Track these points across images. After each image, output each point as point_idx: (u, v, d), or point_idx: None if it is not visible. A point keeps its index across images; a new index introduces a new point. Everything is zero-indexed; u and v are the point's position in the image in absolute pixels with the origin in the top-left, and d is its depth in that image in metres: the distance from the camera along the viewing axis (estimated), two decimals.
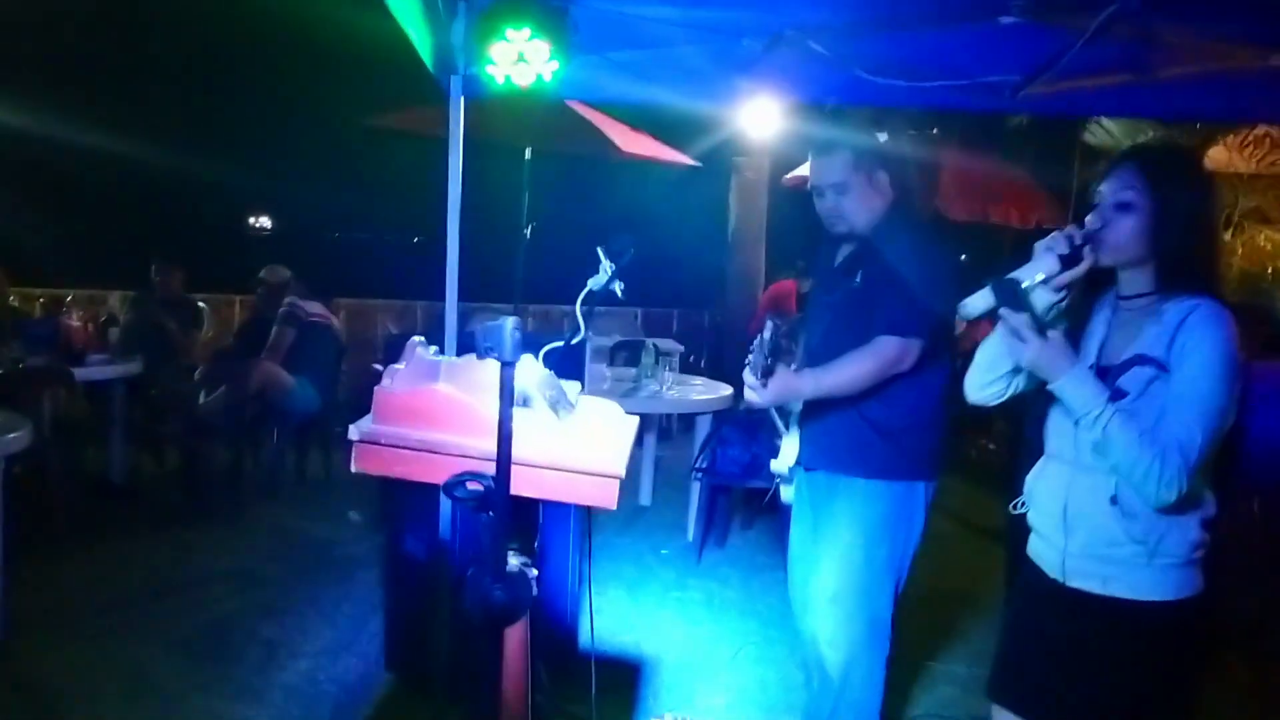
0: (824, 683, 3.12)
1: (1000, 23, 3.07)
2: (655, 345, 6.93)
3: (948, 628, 4.65)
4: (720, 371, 8.19)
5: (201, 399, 6.40)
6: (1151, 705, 2.07)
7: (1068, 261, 2.01)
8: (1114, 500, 2.02)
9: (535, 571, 2.02)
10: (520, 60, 3.10)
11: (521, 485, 1.81)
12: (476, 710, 1.75)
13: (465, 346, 2.73)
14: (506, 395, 1.53)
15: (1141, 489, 1.95)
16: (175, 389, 6.57)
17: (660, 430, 7.91)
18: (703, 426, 6.18)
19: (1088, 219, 2.08)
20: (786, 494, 3.49)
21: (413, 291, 10.41)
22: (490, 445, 1.74)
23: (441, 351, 2.43)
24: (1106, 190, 2.09)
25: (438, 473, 1.80)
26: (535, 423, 1.90)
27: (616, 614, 4.72)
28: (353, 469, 1.85)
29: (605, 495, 1.85)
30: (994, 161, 8.63)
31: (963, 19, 3.18)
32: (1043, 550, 2.22)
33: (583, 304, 2.86)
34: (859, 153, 3.07)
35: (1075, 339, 2.13)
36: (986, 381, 2.26)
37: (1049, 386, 2.05)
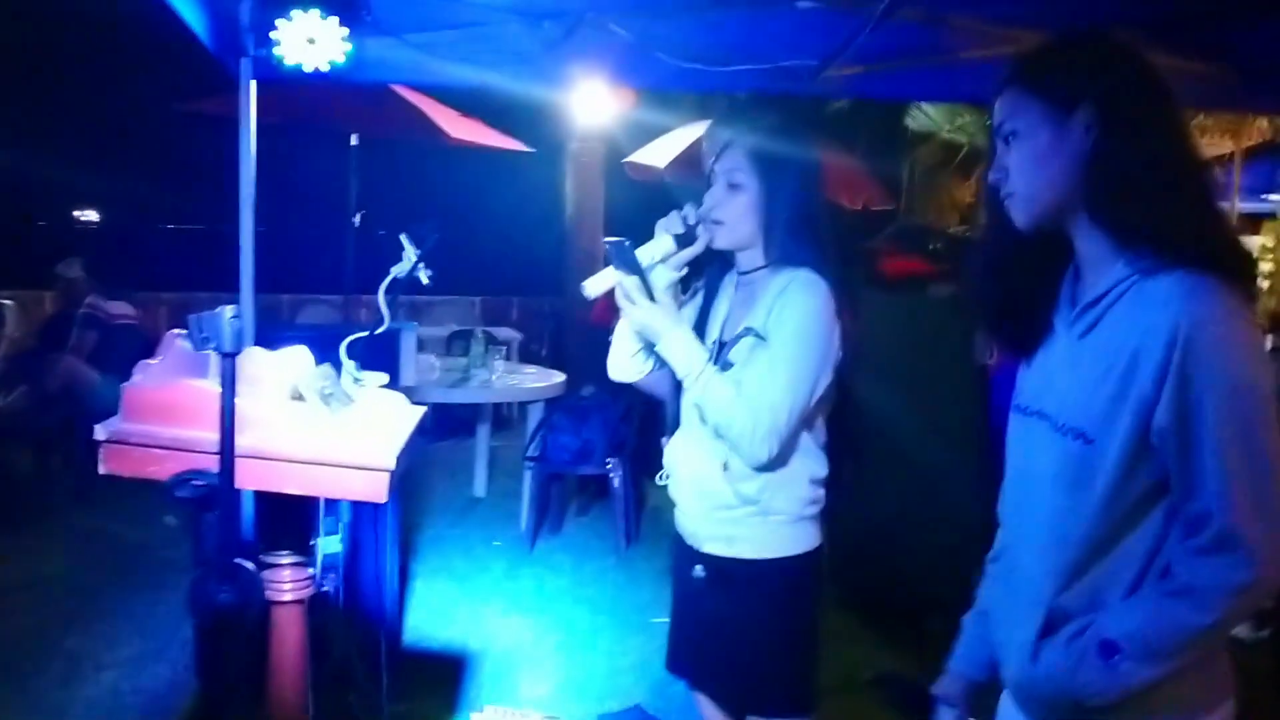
0: None
1: (797, 7, 3.11)
2: (487, 334, 6.85)
3: None
4: (561, 359, 8.14)
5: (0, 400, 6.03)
6: (781, 658, 2.17)
7: (683, 241, 2.10)
8: (725, 466, 2.09)
9: (311, 570, 1.95)
10: (310, 42, 2.99)
11: (284, 482, 1.74)
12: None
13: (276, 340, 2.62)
14: (227, 387, 1.45)
15: (737, 448, 2.04)
16: None
17: (500, 419, 7.83)
18: (535, 415, 6.13)
19: (705, 197, 2.14)
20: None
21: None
22: (249, 440, 1.67)
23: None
24: (718, 170, 2.15)
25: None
26: (302, 417, 1.83)
27: (444, 607, 4.64)
28: (100, 471, 1.75)
29: (375, 489, 1.79)
30: (822, 147, 8.79)
31: (760, 4, 3.21)
32: (681, 519, 2.27)
33: (387, 291, 2.79)
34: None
35: (704, 316, 2.22)
36: (626, 355, 2.28)
37: (655, 349, 2.11)
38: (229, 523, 1.47)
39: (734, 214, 2.11)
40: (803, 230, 2.12)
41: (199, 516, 1.50)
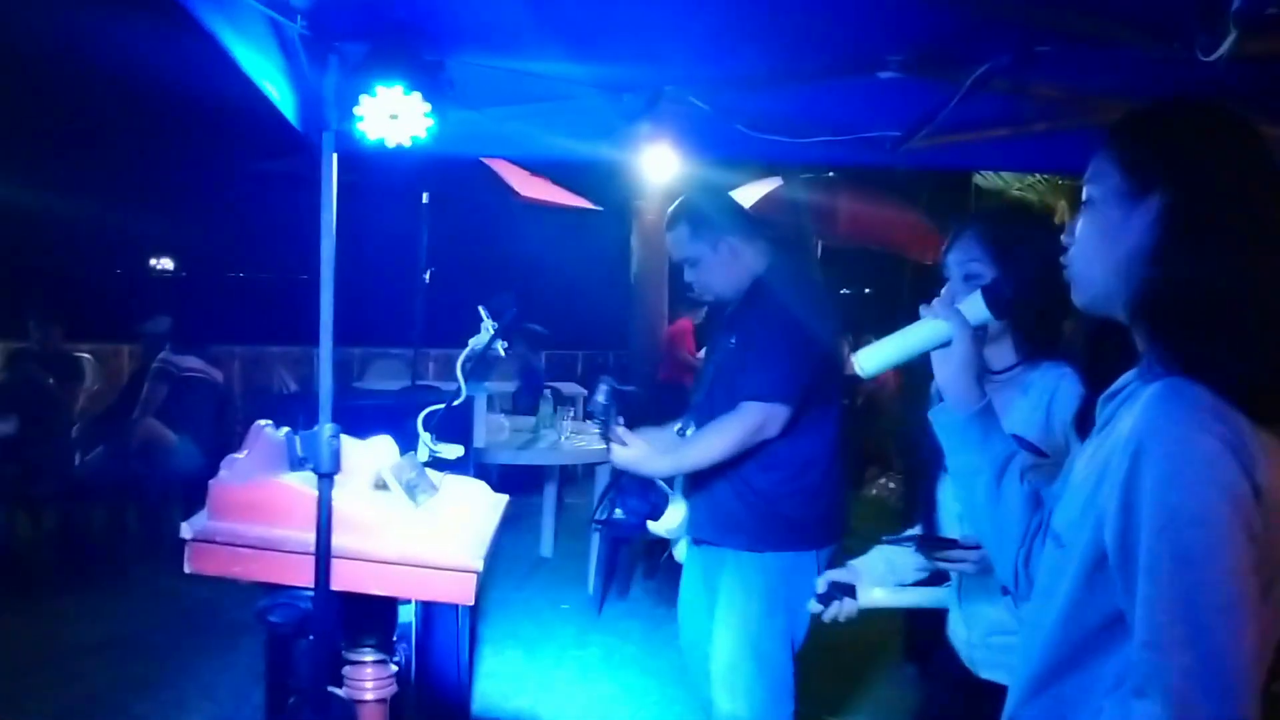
0: None
1: (879, 78, 3.06)
2: (554, 393, 6.83)
3: (849, 677, 4.60)
4: (625, 414, 8.07)
5: (79, 459, 6.11)
6: None
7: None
8: (1006, 590, 1.95)
9: (395, 666, 1.91)
10: (392, 117, 2.99)
11: (369, 583, 1.70)
12: None
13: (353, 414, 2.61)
14: (324, 514, 1.42)
15: None
16: (53, 449, 6.25)
17: (567, 475, 7.77)
18: (603, 475, 6.08)
19: (943, 292, 1.98)
20: (679, 553, 3.42)
21: (315, 335, 10.10)
22: (340, 539, 1.64)
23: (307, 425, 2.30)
24: (952, 262, 2.00)
25: (281, 571, 1.69)
26: (388, 512, 1.80)
27: (512, 675, 4.59)
28: (186, 570, 1.72)
29: (461, 591, 1.74)
30: (890, 202, 8.70)
31: (842, 74, 3.17)
32: (954, 641, 2.15)
33: (464, 364, 2.77)
34: (694, 224, 3.05)
35: None
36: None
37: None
38: (322, 651, 1.44)
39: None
40: (1053, 317, 1.94)
41: (285, 639, 1.46)
